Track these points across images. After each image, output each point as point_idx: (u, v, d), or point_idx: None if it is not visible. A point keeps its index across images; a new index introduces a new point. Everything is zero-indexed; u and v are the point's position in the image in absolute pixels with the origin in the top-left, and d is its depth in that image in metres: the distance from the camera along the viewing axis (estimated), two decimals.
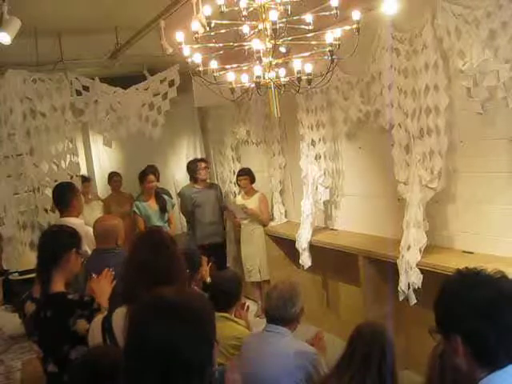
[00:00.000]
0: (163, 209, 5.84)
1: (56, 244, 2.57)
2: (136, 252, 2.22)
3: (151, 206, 5.81)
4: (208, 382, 1.26)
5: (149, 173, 5.89)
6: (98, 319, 2.25)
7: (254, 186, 6.00)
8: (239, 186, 6.05)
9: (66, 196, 3.96)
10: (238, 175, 6.04)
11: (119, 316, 2.11)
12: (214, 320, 1.36)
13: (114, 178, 6.68)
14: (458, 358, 1.41)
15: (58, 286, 2.50)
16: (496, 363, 1.36)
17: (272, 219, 5.96)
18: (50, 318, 2.42)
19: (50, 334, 2.44)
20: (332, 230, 5.16)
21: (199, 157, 7.20)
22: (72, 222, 3.73)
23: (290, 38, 2.85)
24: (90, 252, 3.63)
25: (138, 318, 1.28)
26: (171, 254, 2.13)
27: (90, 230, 3.86)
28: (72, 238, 2.65)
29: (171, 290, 1.40)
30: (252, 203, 5.86)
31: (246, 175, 5.94)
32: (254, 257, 5.84)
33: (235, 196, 6.43)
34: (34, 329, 2.56)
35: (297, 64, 2.79)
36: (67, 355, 2.37)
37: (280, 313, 2.79)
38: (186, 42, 2.80)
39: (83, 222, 4.00)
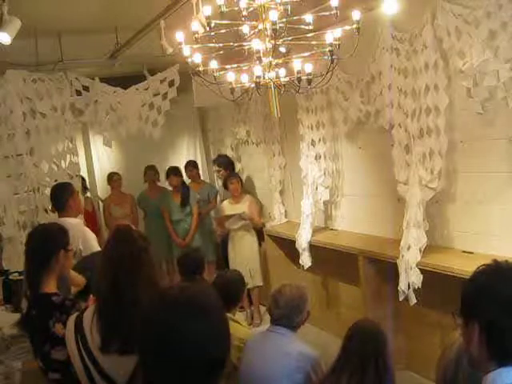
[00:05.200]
0: (185, 202, 6.06)
1: (45, 248, 2.53)
2: (105, 247, 2.27)
3: (174, 199, 6.09)
4: (221, 378, 1.25)
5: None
6: (72, 318, 2.26)
7: (253, 186, 5.97)
8: (229, 189, 5.86)
9: (62, 196, 3.95)
10: (228, 177, 5.91)
11: (88, 315, 2.15)
12: (225, 314, 1.35)
13: (113, 178, 6.65)
14: (471, 346, 1.42)
15: (49, 286, 2.49)
16: (507, 359, 1.36)
17: (271, 219, 5.96)
18: (35, 317, 2.45)
19: (34, 333, 2.49)
20: (332, 230, 5.16)
21: (199, 156, 7.24)
22: (70, 222, 3.73)
23: (290, 38, 2.85)
24: (84, 252, 3.61)
25: (154, 315, 1.26)
26: (138, 248, 2.18)
27: (88, 230, 3.86)
28: (58, 238, 2.58)
29: (186, 285, 1.38)
30: (243, 207, 5.75)
31: (239, 177, 5.89)
32: (244, 263, 5.67)
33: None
34: (24, 326, 2.58)
35: (297, 64, 2.79)
36: (48, 354, 2.40)
37: (286, 320, 2.80)
38: (186, 42, 2.80)
39: (81, 222, 4.00)
